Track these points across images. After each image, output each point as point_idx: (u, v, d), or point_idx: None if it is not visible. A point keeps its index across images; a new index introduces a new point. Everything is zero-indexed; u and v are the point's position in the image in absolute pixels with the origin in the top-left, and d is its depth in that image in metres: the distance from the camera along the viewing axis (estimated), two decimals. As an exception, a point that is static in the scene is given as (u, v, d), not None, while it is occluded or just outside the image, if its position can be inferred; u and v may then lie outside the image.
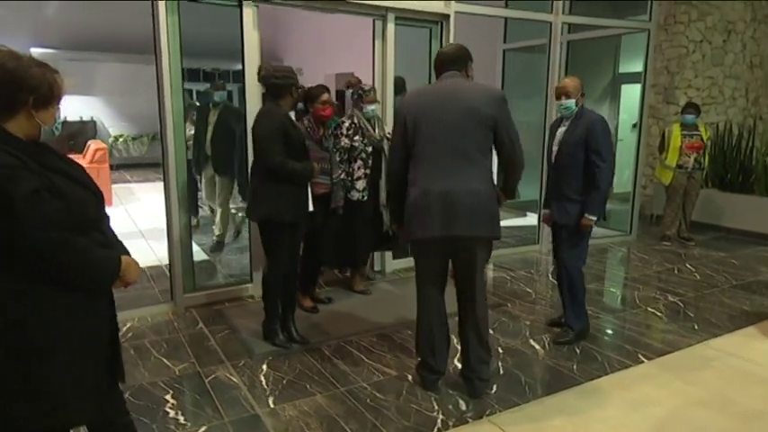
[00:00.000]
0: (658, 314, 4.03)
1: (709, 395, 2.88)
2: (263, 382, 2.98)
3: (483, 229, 2.62)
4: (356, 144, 3.92)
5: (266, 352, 3.30)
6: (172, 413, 2.67)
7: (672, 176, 6.02)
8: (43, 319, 1.52)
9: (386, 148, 4.03)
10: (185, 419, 2.62)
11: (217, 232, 5.44)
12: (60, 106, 1.66)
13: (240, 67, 4.03)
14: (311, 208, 3.32)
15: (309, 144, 3.49)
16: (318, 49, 11.22)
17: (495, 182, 2.79)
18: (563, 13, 5.49)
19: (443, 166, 2.60)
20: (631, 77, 8.23)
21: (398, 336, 3.59)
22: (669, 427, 2.60)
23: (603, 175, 3.25)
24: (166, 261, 4.05)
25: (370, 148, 3.96)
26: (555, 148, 3.42)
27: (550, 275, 4.93)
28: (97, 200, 1.67)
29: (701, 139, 5.96)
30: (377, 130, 4.03)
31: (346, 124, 3.94)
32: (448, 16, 4.78)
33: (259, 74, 3.27)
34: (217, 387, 2.93)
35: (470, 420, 2.63)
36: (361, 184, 3.94)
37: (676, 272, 5.10)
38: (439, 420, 2.63)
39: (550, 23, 5.42)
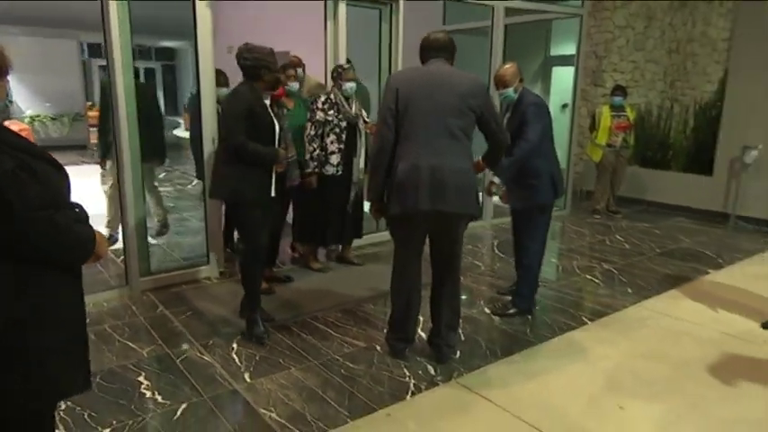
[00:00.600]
0: (596, 281, 4.41)
1: (647, 348, 3.24)
2: (236, 360, 3.05)
3: (468, 207, 2.80)
4: (330, 118, 4.01)
5: (234, 331, 3.36)
6: (148, 393, 2.70)
7: (602, 154, 6.48)
8: (33, 297, 1.52)
9: (360, 126, 4.14)
10: (163, 399, 2.66)
11: (156, 218, 5.32)
12: (8, 80, 1.65)
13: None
14: (273, 193, 3.27)
15: None
16: (253, 27, 10.99)
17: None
18: (503, -3, 5.74)
19: (433, 144, 2.73)
20: (561, 60, 8.70)
21: (361, 310, 3.74)
22: (617, 376, 2.92)
23: (522, 150, 3.31)
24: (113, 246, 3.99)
25: (344, 124, 4.05)
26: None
27: (496, 249, 5.23)
28: (63, 176, 1.65)
29: (628, 120, 6.45)
30: (353, 108, 4.12)
31: (322, 99, 4.06)
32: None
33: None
34: (189, 367, 2.97)
35: (440, 383, 2.84)
36: (335, 159, 4.05)
37: (608, 242, 5.55)
38: (411, 385, 2.81)
39: (492, 7, 5.65)
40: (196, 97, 4.13)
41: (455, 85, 2.77)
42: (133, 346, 3.19)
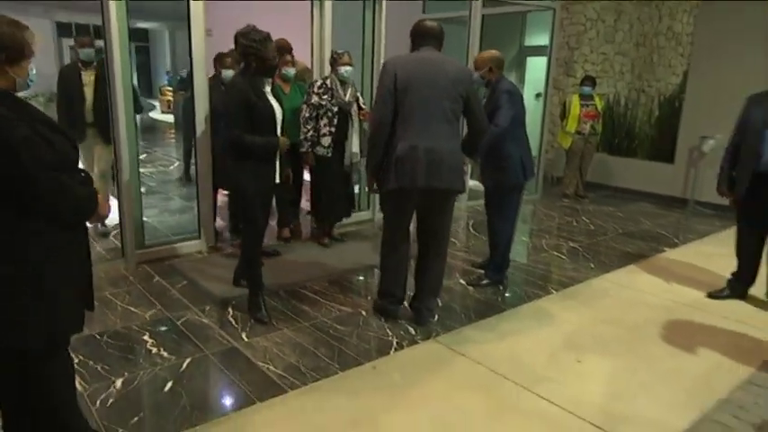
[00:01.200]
0: (562, 256, 4.77)
1: (605, 315, 3.60)
2: (233, 322, 3.31)
3: (458, 184, 3.13)
4: (324, 102, 4.26)
5: (228, 297, 3.61)
6: (154, 350, 2.95)
7: (571, 141, 6.86)
8: (44, 250, 1.74)
9: (353, 112, 4.39)
10: (169, 354, 2.91)
11: None
12: (32, 59, 1.87)
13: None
14: (277, 179, 3.33)
15: None
16: (231, 10, 11.06)
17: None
18: (482, -11, 6.03)
19: (430, 126, 3.01)
20: (535, 50, 9.03)
21: (346, 280, 4.03)
22: (577, 337, 3.27)
23: (492, 134, 3.52)
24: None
25: (336, 108, 4.30)
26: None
27: (471, 228, 5.56)
28: (73, 146, 1.88)
29: (596, 109, 6.83)
30: (347, 94, 4.36)
31: (318, 83, 4.33)
32: (380, -11, 5.13)
33: None
34: (190, 327, 3.22)
35: (420, 342, 3.15)
36: (326, 141, 4.31)
37: (575, 223, 5.93)
38: (394, 342, 3.12)
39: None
40: (188, 81, 4.32)
41: (448, 71, 3.05)
42: (134, 310, 3.42)
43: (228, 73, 4.44)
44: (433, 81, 3.00)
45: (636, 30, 8.70)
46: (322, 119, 4.30)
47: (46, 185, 1.68)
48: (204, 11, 4.18)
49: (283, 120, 3.34)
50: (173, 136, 10.97)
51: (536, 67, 9.00)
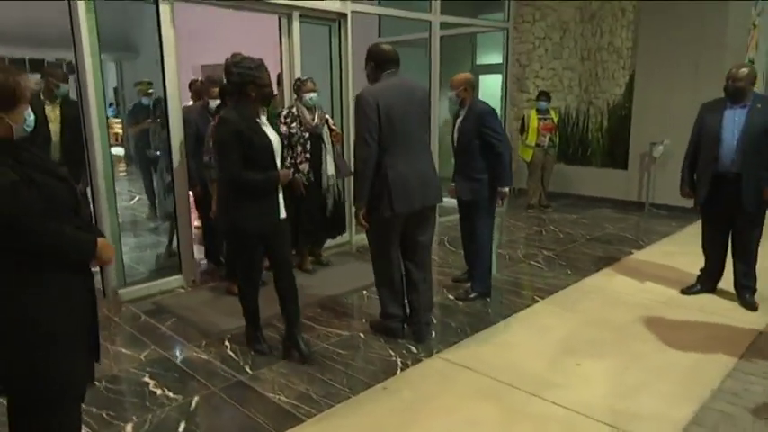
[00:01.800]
0: (540, 265, 4.94)
1: (591, 318, 3.76)
2: (233, 356, 3.27)
3: (440, 197, 3.36)
4: (293, 131, 4.29)
5: (223, 330, 3.57)
6: (158, 391, 2.88)
7: (532, 154, 7.13)
8: (46, 299, 1.72)
9: (324, 136, 4.42)
10: (174, 394, 2.85)
11: None
12: (28, 105, 1.85)
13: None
14: (283, 214, 3.10)
15: None
16: (183, 39, 10.98)
17: None
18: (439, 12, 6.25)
19: (414, 151, 3.20)
20: (487, 69, 9.37)
21: (338, 305, 4.05)
22: (569, 342, 3.40)
23: (504, 152, 3.83)
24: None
25: (307, 134, 4.33)
26: (455, 135, 4.02)
27: (446, 244, 5.68)
28: (70, 188, 1.85)
29: (553, 122, 7.14)
30: (316, 118, 4.39)
31: (284, 113, 4.36)
32: (345, 15, 5.24)
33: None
34: (190, 365, 3.16)
35: (424, 358, 3.20)
36: (304, 167, 4.34)
37: (544, 233, 6.15)
38: (399, 362, 3.16)
39: (430, 22, 6.13)
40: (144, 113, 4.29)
41: (418, 96, 3.25)
42: (127, 351, 3.33)
43: (215, 103, 4.38)
44: (408, 107, 3.16)
45: (580, 45, 9.15)
46: (296, 147, 4.32)
47: (32, 233, 1.66)
48: (176, 39, 4.16)
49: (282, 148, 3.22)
50: (123, 170, 10.69)
51: (489, 85, 9.32)
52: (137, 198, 8.23)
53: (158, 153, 5.47)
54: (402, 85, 3.20)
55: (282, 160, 4.20)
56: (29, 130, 1.80)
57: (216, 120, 3.71)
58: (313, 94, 4.40)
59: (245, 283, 3.25)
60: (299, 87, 4.43)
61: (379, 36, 8.35)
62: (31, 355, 1.71)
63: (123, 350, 3.35)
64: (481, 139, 3.83)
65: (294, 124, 4.33)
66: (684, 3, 6.69)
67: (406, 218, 3.23)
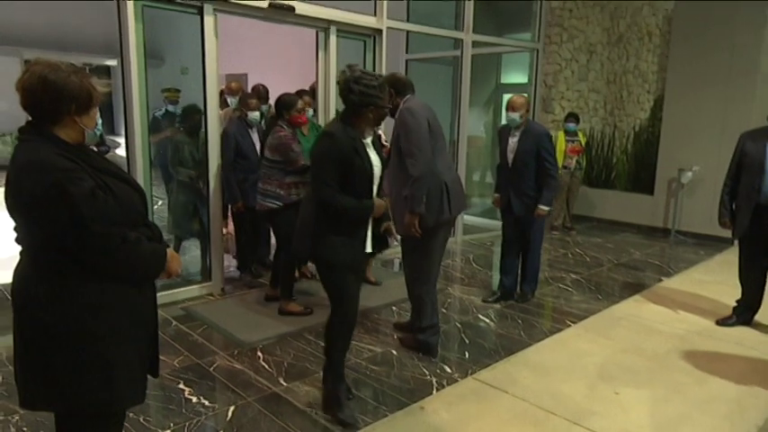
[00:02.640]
0: (569, 289, 4.90)
1: (626, 345, 3.71)
2: (266, 366, 3.25)
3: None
4: None
5: (256, 340, 3.56)
6: (194, 399, 2.87)
7: (558, 176, 7.10)
8: (104, 310, 1.67)
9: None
10: (210, 402, 2.84)
11: None
12: (98, 109, 1.85)
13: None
14: (369, 248, 2.77)
15: (295, 153, 3.79)
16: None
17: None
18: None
19: (449, 161, 3.53)
20: (511, 88, 9.39)
21: (368, 320, 4.02)
22: (606, 369, 3.35)
23: (556, 175, 4.22)
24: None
25: None
26: (510, 155, 4.21)
27: (473, 263, 5.65)
28: (140, 196, 1.82)
29: (581, 144, 7.12)
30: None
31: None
32: (381, 30, 5.28)
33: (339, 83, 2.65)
34: (224, 374, 3.15)
35: (459, 379, 3.17)
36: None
37: (570, 255, 6.11)
38: (434, 381, 3.13)
39: (462, 40, 6.16)
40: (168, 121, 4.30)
41: (436, 116, 3.46)
42: (162, 358, 3.27)
43: (255, 115, 4.45)
44: (438, 125, 3.43)
45: (606, 68, 9.17)
46: None
47: (105, 241, 1.61)
48: (218, 50, 4.20)
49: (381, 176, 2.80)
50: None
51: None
52: (159, 203, 8.28)
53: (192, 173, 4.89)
54: (427, 105, 3.43)
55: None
56: (98, 133, 1.81)
57: (276, 129, 3.85)
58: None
59: (340, 324, 2.73)
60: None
61: (407, 53, 8.39)
62: (84, 375, 1.65)
63: (156, 356, 3.34)
64: (537, 159, 4.12)
65: None
66: (716, 28, 6.68)
67: (449, 225, 3.50)
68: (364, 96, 2.55)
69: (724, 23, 6.61)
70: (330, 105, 5.02)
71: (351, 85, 2.55)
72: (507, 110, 4.23)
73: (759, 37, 6.42)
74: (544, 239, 6.68)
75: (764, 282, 3.92)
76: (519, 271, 4.51)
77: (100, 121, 1.81)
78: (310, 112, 4.48)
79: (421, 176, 3.19)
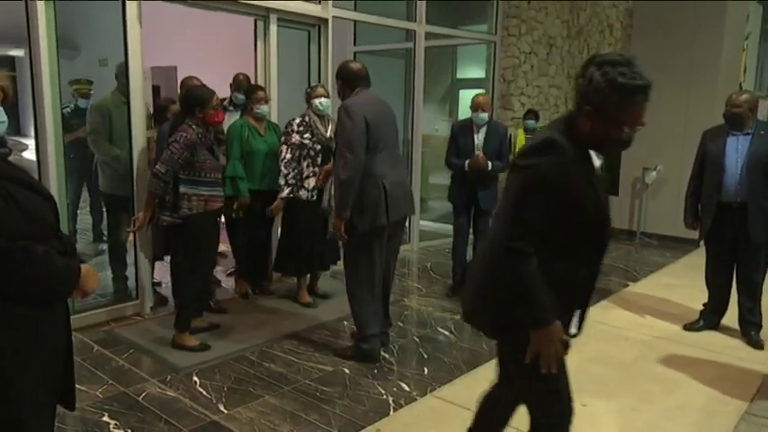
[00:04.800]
0: (532, 297, 5.02)
1: (594, 353, 3.83)
2: (203, 392, 3.19)
3: (414, 210, 3.97)
4: (306, 142, 4.26)
5: (191, 365, 3.48)
6: (121, 432, 2.78)
7: (518, 176, 7.29)
8: (8, 342, 1.57)
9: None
10: (139, 436, 2.76)
11: None
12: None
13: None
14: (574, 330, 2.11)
15: (202, 153, 3.54)
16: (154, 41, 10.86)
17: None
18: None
19: (396, 162, 3.57)
20: (468, 83, 9.59)
21: (316, 336, 4.01)
22: (573, 379, 3.43)
23: (506, 162, 4.73)
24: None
25: (318, 146, 4.28)
26: (478, 153, 4.68)
27: (430, 271, 5.71)
28: (50, 205, 1.74)
29: (541, 142, 7.33)
30: (329, 131, 4.33)
31: (297, 121, 4.31)
32: (326, 20, 5.30)
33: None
34: (155, 403, 3.06)
35: (418, 398, 3.19)
36: (310, 183, 4.27)
37: (533, 261, 6.26)
38: (390, 401, 3.15)
39: (414, 31, 6.25)
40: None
41: (390, 112, 3.59)
42: (81, 387, 3.19)
43: (264, 109, 4.40)
44: (387, 122, 3.50)
45: (567, 63, 9.47)
46: (304, 160, 4.27)
47: (4, 256, 1.52)
48: (143, 40, 4.10)
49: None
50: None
51: (468, 100, 9.53)
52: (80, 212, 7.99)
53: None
54: (377, 100, 3.52)
55: (286, 175, 4.32)
56: (2, 130, 1.74)
57: (182, 128, 3.54)
58: (324, 99, 4.31)
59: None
60: (308, 95, 4.42)
61: (355, 44, 8.43)
62: None
63: (77, 385, 3.21)
64: (499, 154, 4.73)
65: (306, 134, 4.29)
66: (677, 25, 7.03)
67: (394, 227, 3.55)
68: (618, 90, 1.75)
69: (685, 20, 6.96)
70: (273, 99, 4.98)
71: (595, 75, 1.76)
72: (476, 110, 4.67)
73: (719, 34, 6.80)
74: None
75: (731, 284, 4.14)
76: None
77: (4, 117, 1.74)
78: (266, 108, 4.39)
79: (348, 180, 3.28)
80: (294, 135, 4.27)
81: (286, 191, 4.26)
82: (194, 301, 3.76)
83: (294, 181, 4.26)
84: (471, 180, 4.73)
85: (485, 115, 4.69)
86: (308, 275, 4.71)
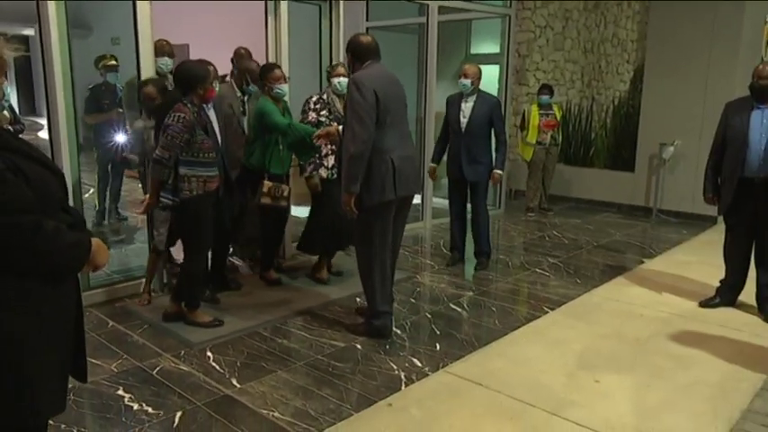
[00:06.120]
0: (546, 273, 4.99)
1: (607, 330, 3.81)
2: (217, 367, 3.22)
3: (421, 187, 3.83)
4: (323, 119, 4.22)
5: (205, 340, 3.50)
6: (135, 406, 2.82)
7: (532, 152, 7.20)
8: (20, 311, 1.59)
9: None
10: (154, 409, 2.79)
11: None
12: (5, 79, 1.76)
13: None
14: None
15: (199, 133, 3.42)
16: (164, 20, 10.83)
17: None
18: (437, -5, 6.28)
19: (405, 136, 3.58)
20: (482, 58, 9.44)
21: (329, 312, 4.02)
22: (586, 357, 3.43)
23: (505, 141, 4.91)
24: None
25: (335, 124, 4.14)
26: (464, 121, 4.69)
27: (443, 248, 5.69)
28: (58, 179, 1.74)
29: (556, 118, 7.23)
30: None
31: (314, 98, 4.29)
32: (338, -7, 5.22)
33: None
34: (169, 377, 3.10)
35: (429, 373, 3.20)
36: (330, 161, 4.25)
37: (547, 238, 6.22)
38: (402, 376, 3.15)
39: (428, 5, 6.15)
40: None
41: (400, 86, 3.55)
42: (96, 362, 3.24)
43: (284, 88, 4.20)
44: (397, 96, 3.47)
45: (583, 36, 9.31)
46: None
47: (15, 231, 1.52)
48: (152, 17, 4.08)
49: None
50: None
51: (484, 75, 9.41)
52: (91, 191, 8.06)
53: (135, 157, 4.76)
54: (387, 75, 3.47)
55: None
56: (6, 105, 1.73)
57: (177, 107, 3.40)
58: (342, 79, 4.22)
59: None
60: (329, 73, 4.42)
61: (367, 20, 8.33)
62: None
63: (92, 360, 3.25)
64: (489, 124, 4.76)
65: (324, 112, 4.25)
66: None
67: (402, 204, 3.56)
68: None
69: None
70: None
71: None
72: (460, 77, 4.80)
73: (741, 5, 6.60)
74: (519, 222, 6.87)
75: (749, 260, 4.07)
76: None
77: (9, 91, 1.72)
78: (285, 88, 4.22)
79: (357, 154, 3.26)
80: (311, 113, 4.24)
81: (308, 169, 4.25)
82: (200, 280, 3.73)
83: (314, 159, 4.24)
84: (457, 154, 4.82)
85: (467, 81, 4.74)
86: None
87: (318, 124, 4.22)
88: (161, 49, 4.39)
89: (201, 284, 3.81)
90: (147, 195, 3.59)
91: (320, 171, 4.29)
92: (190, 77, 3.44)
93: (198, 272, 3.69)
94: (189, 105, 3.41)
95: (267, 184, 4.17)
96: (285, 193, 4.22)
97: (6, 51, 1.63)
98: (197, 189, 3.46)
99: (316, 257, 4.68)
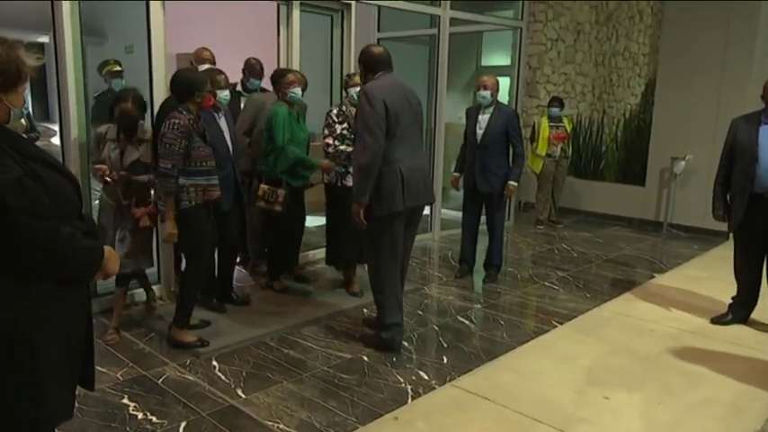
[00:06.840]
0: (555, 287, 4.95)
1: (616, 346, 3.76)
2: (222, 377, 3.20)
3: (434, 197, 3.91)
4: (344, 133, 4.23)
5: (211, 349, 3.49)
6: (140, 415, 2.80)
7: (542, 165, 7.17)
8: (34, 314, 1.61)
9: None
10: (158, 419, 2.77)
11: None
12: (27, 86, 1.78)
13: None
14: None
15: (196, 140, 3.38)
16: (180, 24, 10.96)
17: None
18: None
19: (416, 147, 3.56)
20: (493, 71, 9.44)
21: (336, 323, 4.00)
22: (595, 372, 3.39)
23: (521, 153, 4.84)
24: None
25: (353, 137, 4.05)
26: (480, 132, 4.68)
27: (451, 260, 5.66)
28: (74, 186, 1.76)
29: (566, 131, 7.20)
30: None
31: (335, 111, 4.28)
32: (350, 5, 5.25)
33: None
34: (174, 386, 3.08)
35: (436, 387, 3.17)
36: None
37: (556, 251, 6.17)
38: (409, 389, 3.12)
39: (439, 17, 6.16)
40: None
41: (413, 97, 3.54)
42: (102, 369, 3.23)
43: (298, 92, 4.22)
44: (408, 107, 3.45)
45: (594, 50, 9.29)
46: (344, 153, 4.22)
47: (34, 236, 1.54)
48: (166, 26, 4.10)
49: None
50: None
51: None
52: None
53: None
54: (399, 86, 3.47)
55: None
56: (25, 113, 1.74)
57: (172, 115, 3.35)
58: (357, 89, 4.13)
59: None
60: (346, 83, 4.40)
61: (378, 31, 8.36)
62: (9, 389, 1.60)
63: (97, 367, 3.21)
64: (506, 136, 4.72)
65: (345, 125, 4.24)
66: (710, 8, 6.79)
67: (411, 215, 3.55)
68: None
69: (718, 4, 6.73)
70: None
71: None
72: (479, 89, 4.78)
73: (755, 18, 6.57)
74: (528, 235, 6.83)
75: (761, 277, 4.02)
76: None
77: (29, 101, 1.74)
78: (299, 91, 4.21)
79: (367, 165, 3.27)
80: (336, 125, 4.24)
81: (337, 177, 4.29)
82: (195, 298, 3.64)
83: (342, 169, 4.25)
84: (472, 165, 4.84)
85: (486, 93, 4.71)
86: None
87: (342, 137, 4.22)
88: (200, 56, 4.43)
89: (193, 304, 3.64)
90: (167, 224, 3.39)
91: (346, 179, 4.22)
92: (187, 85, 3.40)
93: (194, 287, 3.58)
94: (184, 113, 3.36)
95: (263, 187, 4.17)
96: (280, 198, 4.15)
97: (29, 61, 1.65)
98: (196, 199, 3.41)
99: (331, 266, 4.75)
